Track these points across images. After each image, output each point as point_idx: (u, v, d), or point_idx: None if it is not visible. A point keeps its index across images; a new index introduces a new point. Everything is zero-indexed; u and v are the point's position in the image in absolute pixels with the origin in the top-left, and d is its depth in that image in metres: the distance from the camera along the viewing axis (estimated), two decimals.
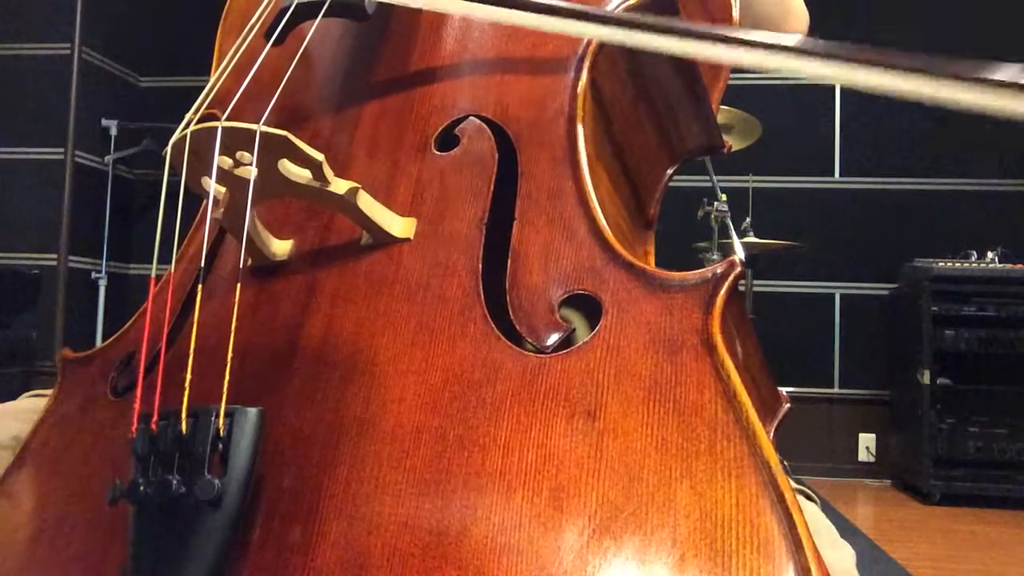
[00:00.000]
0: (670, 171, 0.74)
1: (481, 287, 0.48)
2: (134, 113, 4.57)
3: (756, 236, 3.42)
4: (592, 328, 0.45)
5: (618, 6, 0.60)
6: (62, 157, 2.80)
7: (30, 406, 0.66)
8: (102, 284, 4.42)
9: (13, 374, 3.80)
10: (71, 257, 2.92)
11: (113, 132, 4.47)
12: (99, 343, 0.63)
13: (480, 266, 0.49)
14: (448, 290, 0.49)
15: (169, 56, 4.54)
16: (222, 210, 0.50)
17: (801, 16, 0.87)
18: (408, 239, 0.52)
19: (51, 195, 3.37)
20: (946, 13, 4.33)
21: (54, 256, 2.86)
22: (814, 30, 0.89)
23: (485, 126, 0.57)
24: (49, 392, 0.62)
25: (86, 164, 4.29)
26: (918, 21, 4.36)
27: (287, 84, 0.63)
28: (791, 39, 0.48)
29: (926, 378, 3.68)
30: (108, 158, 4.45)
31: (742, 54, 0.49)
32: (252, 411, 0.43)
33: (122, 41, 4.54)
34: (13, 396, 0.72)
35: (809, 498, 0.65)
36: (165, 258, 0.61)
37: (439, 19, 0.64)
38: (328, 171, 0.49)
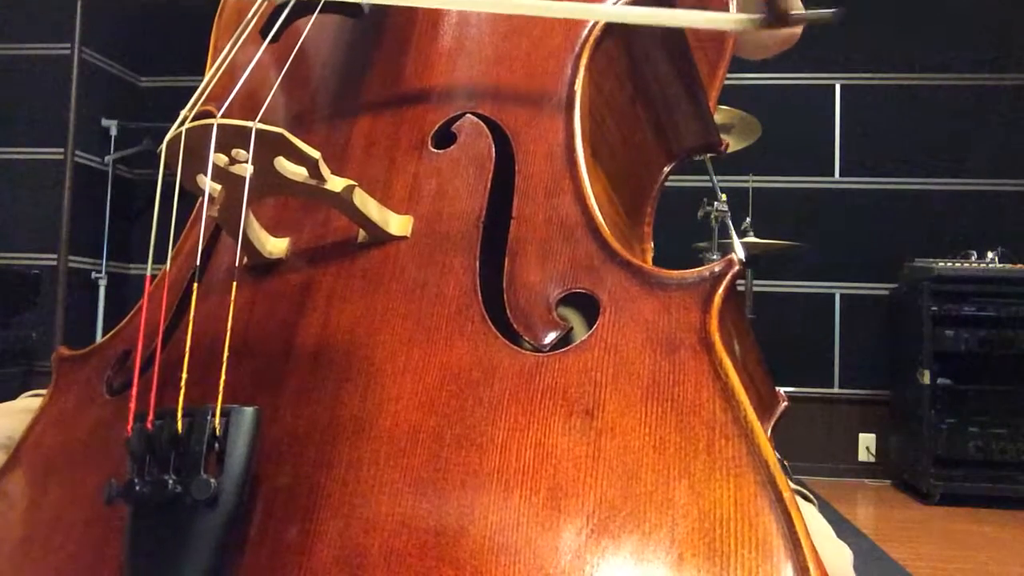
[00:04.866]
0: (667, 170, 0.74)
1: (478, 286, 0.48)
2: (134, 113, 4.57)
3: (756, 236, 3.42)
4: (590, 327, 0.45)
5: (614, 4, 0.60)
6: (62, 157, 2.80)
7: (28, 405, 0.66)
8: (102, 284, 4.42)
9: (13, 374, 3.80)
10: (71, 257, 2.92)
11: (113, 132, 4.47)
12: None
13: (477, 264, 0.49)
14: (445, 289, 0.49)
15: (169, 56, 4.54)
16: (218, 208, 0.50)
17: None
18: (405, 237, 0.52)
19: (51, 195, 3.36)
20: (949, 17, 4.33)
21: (54, 256, 2.85)
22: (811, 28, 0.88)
23: (482, 124, 0.57)
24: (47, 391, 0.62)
25: (86, 164, 4.29)
26: (915, 21, 4.36)
27: (283, 81, 0.63)
28: None
29: (926, 378, 3.68)
30: (108, 158, 4.45)
31: None
32: (248, 410, 0.43)
33: (122, 41, 4.54)
34: (13, 396, 0.71)
35: (806, 498, 0.65)
36: (162, 257, 0.61)
37: (436, 16, 0.64)
38: (324, 168, 0.49)
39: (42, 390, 0.65)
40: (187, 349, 0.45)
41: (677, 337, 0.43)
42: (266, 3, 0.63)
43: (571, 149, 0.54)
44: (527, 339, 0.46)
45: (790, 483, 0.39)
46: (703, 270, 0.45)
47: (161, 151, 0.50)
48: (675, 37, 0.66)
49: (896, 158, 4.36)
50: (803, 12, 0.58)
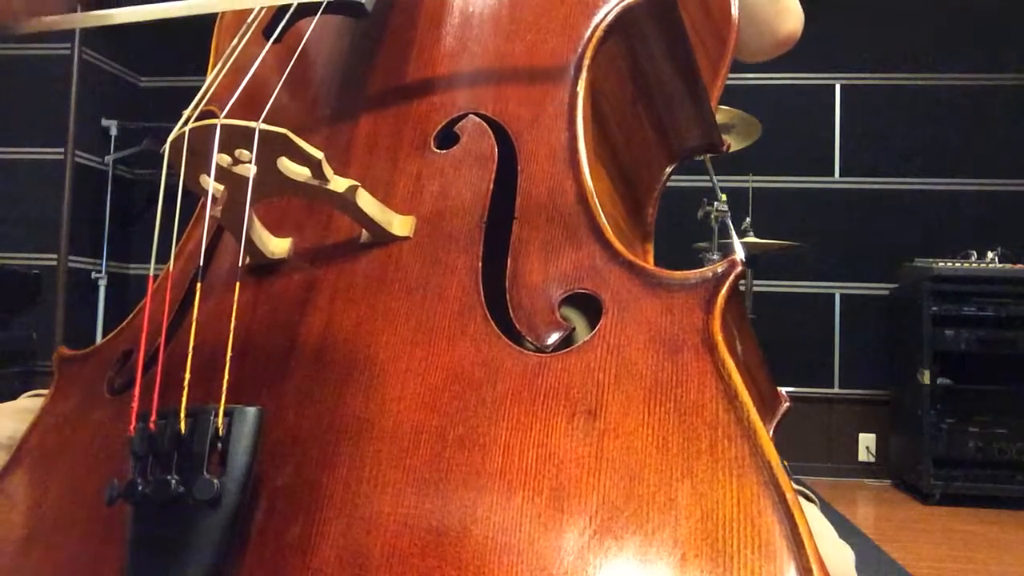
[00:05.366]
0: (669, 170, 0.74)
1: (481, 286, 0.48)
2: (134, 113, 4.57)
3: (756, 236, 3.42)
4: (592, 327, 0.45)
5: (616, 5, 0.60)
6: (62, 157, 2.80)
7: (29, 405, 0.66)
8: (102, 284, 4.43)
9: (13, 374, 3.80)
10: (71, 257, 2.92)
11: (113, 132, 4.48)
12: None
13: (480, 265, 0.49)
14: (448, 289, 0.49)
15: (169, 56, 4.54)
16: (220, 208, 0.50)
17: (795, 13, 0.86)
18: (408, 237, 0.52)
19: (51, 195, 3.36)
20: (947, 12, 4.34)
21: (54, 256, 2.86)
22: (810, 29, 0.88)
23: (485, 124, 0.57)
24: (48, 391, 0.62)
25: (86, 164, 4.29)
26: (915, 21, 4.36)
27: (286, 82, 0.63)
28: None
29: (926, 378, 3.68)
30: (108, 158, 4.46)
31: None
32: (251, 410, 0.43)
33: (122, 41, 4.54)
34: (13, 396, 0.72)
35: (808, 499, 0.65)
36: (164, 257, 0.61)
37: (438, 17, 0.64)
38: (327, 169, 0.49)
39: (43, 390, 0.65)
40: (190, 349, 0.45)
41: (680, 338, 0.43)
42: (267, 5, 0.63)
43: (574, 150, 0.54)
44: (530, 339, 0.46)
45: (792, 483, 0.39)
46: (706, 271, 0.45)
47: (164, 151, 0.50)
48: (678, 37, 0.66)
49: (896, 158, 4.36)
50: None
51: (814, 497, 0.67)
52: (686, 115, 0.71)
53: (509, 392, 0.43)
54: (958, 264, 3.79)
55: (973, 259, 3.82)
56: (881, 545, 2.88)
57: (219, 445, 0.42)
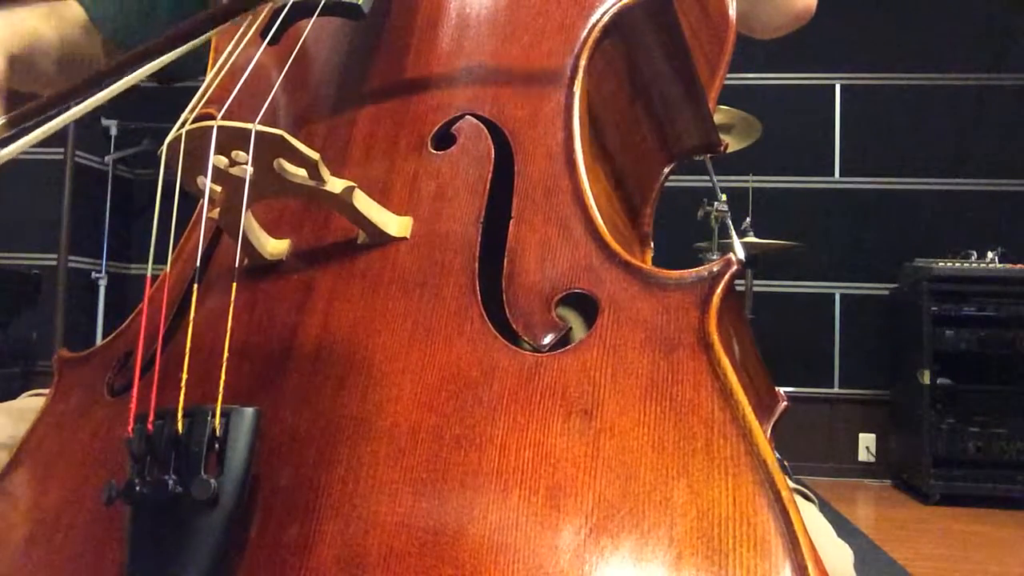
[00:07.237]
0: (667, 170, 0.74)
1: (478, 286, 0.48)
2: (134, 113, 4.57)
3: (756, 236, 3.42)
4: (589, 327, 0.45)
5: (612, 6, 0.60)
6: (62, 157, 2.80)
7: (29, 405, 0.66)
8: (102, 284, 4.43)
9: (13, 374, 3.81)
10: (71, 257, 2.93)
11: (113, 132, 4.48)
12: (99, 343, 0.63)
13: (476, 265, 0.49)
14: (445, 289, 0.49)
15: None
16: (218, 209, 0.50)
17: None
18: (405, 238, 0.52)
19: (51, 195, 3.37)
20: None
21: (54, 256, 2.86)
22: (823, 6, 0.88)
23: (482, 125, 0.57)
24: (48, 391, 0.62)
25: (86, 164, 4.29)
26: (915, 21, 4.36)
27: (283, 83, 0.63)
28: None
29: (926, 378, 3.68)
30: (108, 158, 4.46)
31: None
32: (248, 411, 0.43)
33: None
34: (13, 396, 0.72)
35: (807, 498, 0.65)
36: (163, 257, 0.61)
37: (435, 18, 0.64)
38: (324, 170, 0.49)
39: (43, 389, 0.66)
40: (187, 350, 0.45)
41: (676, 337, 0.43)
42: (266, 6, 0.63)
43: (570, 150, 0.54)
44: (526, 339, 0.46)
45: (789, 482, 0.39)
46: (701, 270, 0.45)
47: (161, 153, 0.50)
48: (675, 37, 0.66)
49: (896, 158, 4.37)
50: None
51: (813, 497, 0.67)
52: (684, 116, 0.71)
53: (505, 392, 0.43)
54: (958, 264, 3.80)
55: (973, 259, 3.82)
56: (881, 545, 2.89)
57: (216, 445, 0.42)
